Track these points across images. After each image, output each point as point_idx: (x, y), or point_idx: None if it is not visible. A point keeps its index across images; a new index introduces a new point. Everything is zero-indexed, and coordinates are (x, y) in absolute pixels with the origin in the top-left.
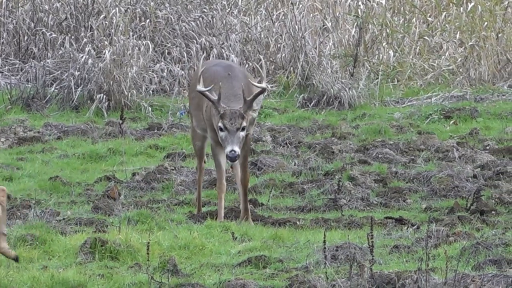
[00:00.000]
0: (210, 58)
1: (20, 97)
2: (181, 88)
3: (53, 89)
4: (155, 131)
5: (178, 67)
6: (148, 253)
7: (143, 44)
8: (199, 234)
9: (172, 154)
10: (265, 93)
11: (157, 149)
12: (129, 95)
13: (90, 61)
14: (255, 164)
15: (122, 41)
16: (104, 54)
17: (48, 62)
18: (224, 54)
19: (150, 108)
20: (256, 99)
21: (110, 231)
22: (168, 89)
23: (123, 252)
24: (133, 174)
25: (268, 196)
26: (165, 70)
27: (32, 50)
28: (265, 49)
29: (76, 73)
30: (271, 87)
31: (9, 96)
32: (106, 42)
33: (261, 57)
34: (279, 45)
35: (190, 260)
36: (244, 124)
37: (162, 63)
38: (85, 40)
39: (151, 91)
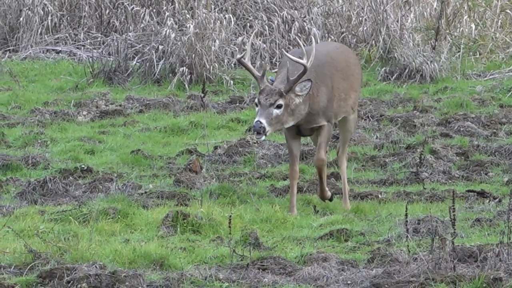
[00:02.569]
0: (292, 32)
1: (102, 71)
2: (263, 62)
3: (135, 62)
4: (237, 104)
5: (260, 40)
6: (230, 227)
7: (225, 18)
8: (280, 208)
9: None
10: (309, 80)
11: (238, 123)
12: (211, 68)
13: (172, 34)
14: (337, 137)
15: (204, 14)
16: (187, 27)
17: (130, 36)
18: (306, 28)
19: (232, 82)
20: (299, 80)
21: (192, 205)
22: (251, 62)
23: (205, 226)
24: (215, 148)
25: (350, 170)
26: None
27: (114, 24)
28: (347, 23)
29: (159, 47)
30: None
31: (91, 70)
32: (187, 16)
33: (343, 30)
34: (360, 18)
35: (272, 234)
36: (280, 102)
37: (245, 36)
38: (167, 13)
39: (233, 64)
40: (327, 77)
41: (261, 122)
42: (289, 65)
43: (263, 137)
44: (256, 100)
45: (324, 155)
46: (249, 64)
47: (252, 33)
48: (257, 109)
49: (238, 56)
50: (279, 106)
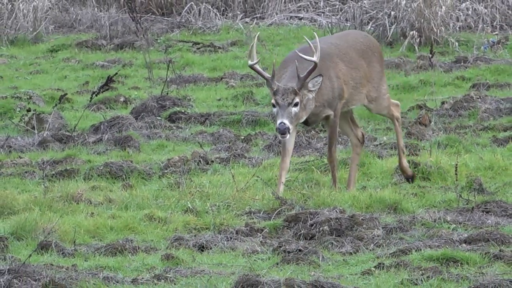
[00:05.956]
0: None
1: None
2: (484, 25)
3: (369, 27)
4: (462, 63)
5: (481, 5)
6: (456, 174)
7: None
8: (502, 156)
9: (477, 85)
10: (320, 75)
11: (463, 80)
12: (438, 31)
13: (403, 1)
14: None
15: None
16: None
17: (365, 3)
18: None
19: (457, 43)
20: (309, 76)
21: (422, 155)
22: (473, 25)
23: (434, 173)
24: (442, 103)
25: None
26: (470, 9)
27: None
28: None
29: (391, 13)
30: None
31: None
32: None
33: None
34: None
35: (494, 180)
36: (297, 100)
37: (468, 2)
38: None
39: (457, 28)
40: (330, 68)
41: (284, 124)
42: (297, 61)
43: (288, 136)
44: (272, 101)
45: (334, 152)
46: (259, 68)
47: (256, 36)
48: (275, 110)
49: (250, 62)
50: (296, 104)
